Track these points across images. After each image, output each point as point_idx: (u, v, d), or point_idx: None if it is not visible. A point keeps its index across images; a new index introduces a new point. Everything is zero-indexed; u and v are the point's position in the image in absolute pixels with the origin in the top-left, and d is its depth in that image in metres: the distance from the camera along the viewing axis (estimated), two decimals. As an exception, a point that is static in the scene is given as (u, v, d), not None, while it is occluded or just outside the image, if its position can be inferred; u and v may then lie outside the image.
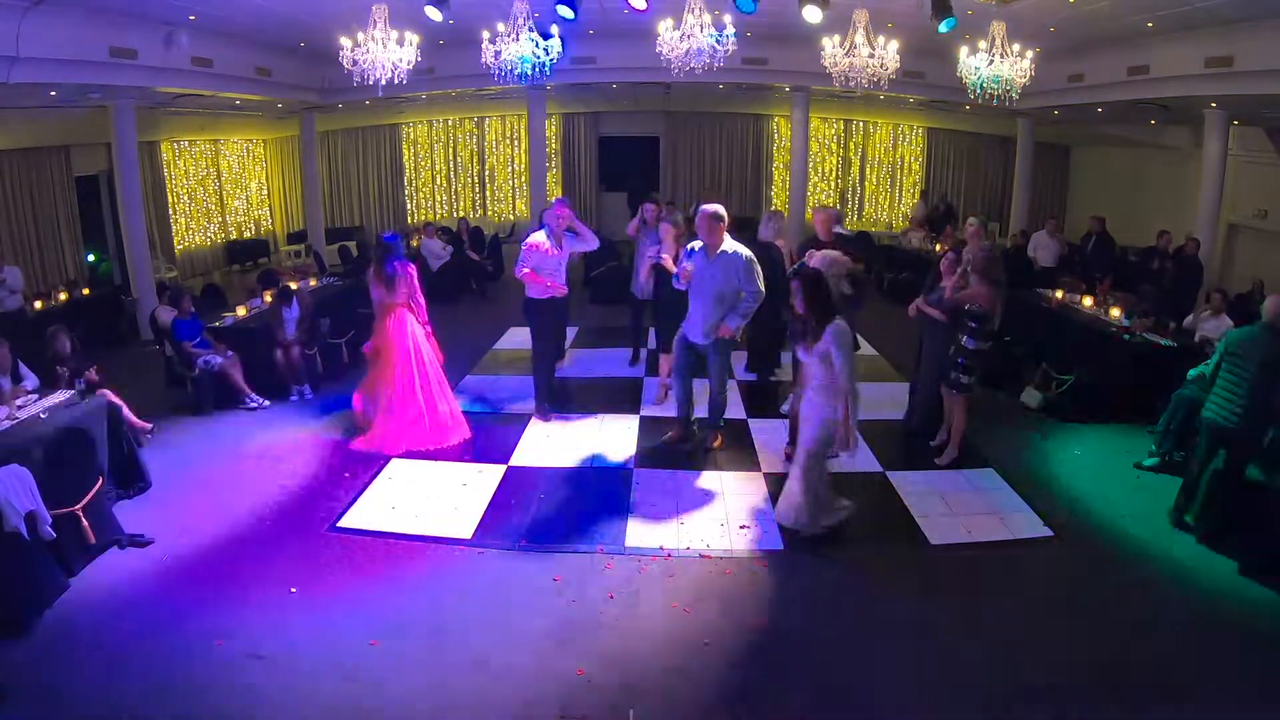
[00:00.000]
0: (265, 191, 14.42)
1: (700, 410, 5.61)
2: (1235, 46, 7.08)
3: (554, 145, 14.83)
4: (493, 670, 3.28)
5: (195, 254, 12.57)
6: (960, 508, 4.71)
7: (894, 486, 5.01)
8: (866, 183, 15.19)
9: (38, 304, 8.10)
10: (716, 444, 5.56)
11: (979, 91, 7.22)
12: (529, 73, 6.92)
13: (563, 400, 6.45)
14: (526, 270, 5.74)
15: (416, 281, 5.58)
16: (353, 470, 5.18)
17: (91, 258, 10.40)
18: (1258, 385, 4.16)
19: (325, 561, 4.13)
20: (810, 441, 4.18)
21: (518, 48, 6.75)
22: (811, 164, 13.87)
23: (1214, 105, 8.28)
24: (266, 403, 6.48)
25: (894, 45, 7.37)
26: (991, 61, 7.14)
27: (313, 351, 6.98)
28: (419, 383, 5.51)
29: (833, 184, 15.14)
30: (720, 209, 5.08)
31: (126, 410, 5.31)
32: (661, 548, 4.24)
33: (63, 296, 8.48)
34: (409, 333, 5.51)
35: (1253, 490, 4.19)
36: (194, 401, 6.42)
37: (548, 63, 6.93)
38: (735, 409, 6.31)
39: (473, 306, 10.16)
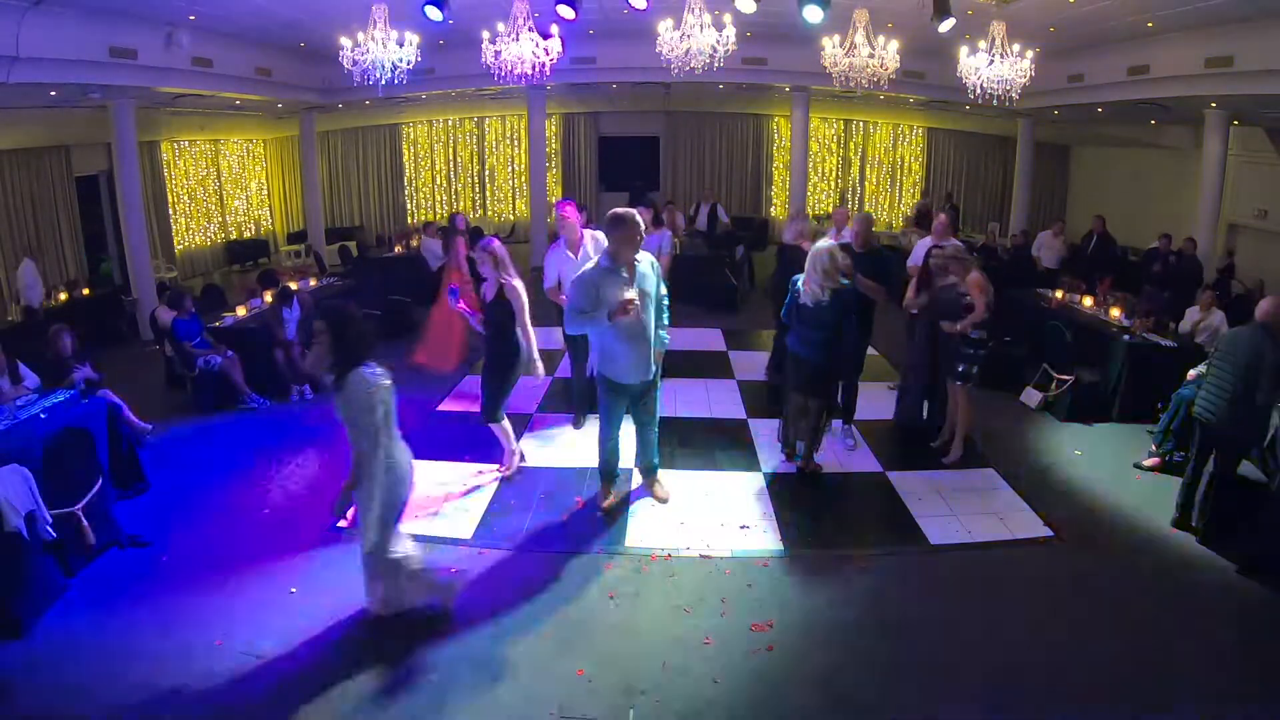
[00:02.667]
0: (265, 191, 14.42)
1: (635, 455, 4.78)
2: (1235, 46, 7.08)
3: (554, 145, 14.83)
4: (493, 670, 3.28)
5: (195, 254, 12.57)
6: (960, 508, 4.71)
7: (894, 486, 5.01)
8: (866, 183, 15.18)
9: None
10: (665, 495, 4.79)
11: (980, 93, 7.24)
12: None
13: (560, 403, 6.44)
14: (563, 297, 4.90)
15: (462, 257, 7.02)
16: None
17: (102, 268, 10.38)
18: (1242, 383, 4.16)
19: (325, 561, 4.13)
20: (370, 541, 3.38)
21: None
22: (811, 164, 13.87)
23: (1214, 105, 8.28)
24: (266, 403, 6.49)
25: (894, 45, 7.38)
26: (991, 61, 7.15)
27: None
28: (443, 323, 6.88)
29: (833, 184, 15.15)
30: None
31: (126, 410, 5.32)
32: (661, 548, 4.24)
33: (63, 296, 8.49)
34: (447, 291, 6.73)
35: (1252, 490, 4.19)
36: (194, 401, 6.42)
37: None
38: (735, 408, 6.32)
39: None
